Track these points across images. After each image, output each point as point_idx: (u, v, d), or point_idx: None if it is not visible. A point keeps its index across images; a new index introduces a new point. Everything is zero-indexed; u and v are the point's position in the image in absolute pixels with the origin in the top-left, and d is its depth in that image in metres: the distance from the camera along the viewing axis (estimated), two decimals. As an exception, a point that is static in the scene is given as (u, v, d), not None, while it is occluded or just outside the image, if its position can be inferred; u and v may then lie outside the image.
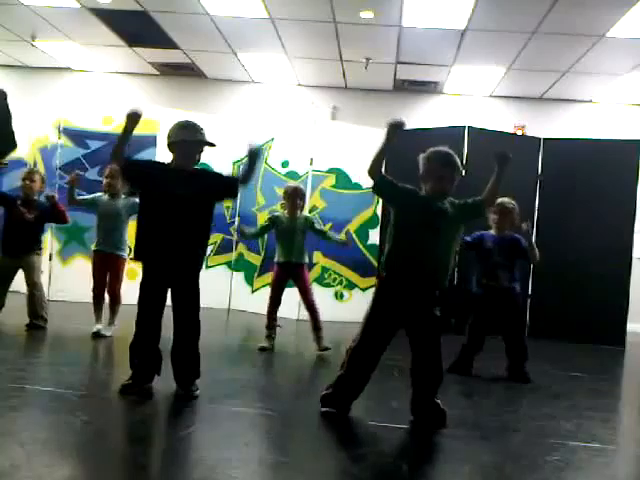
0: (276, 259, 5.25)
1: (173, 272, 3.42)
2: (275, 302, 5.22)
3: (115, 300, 5.19)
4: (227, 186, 3.63)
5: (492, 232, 4.77)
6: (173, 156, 3.52)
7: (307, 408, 3.43)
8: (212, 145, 3.52)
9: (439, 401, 3.18)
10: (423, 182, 3.28)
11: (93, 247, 5.28)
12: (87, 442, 2.63)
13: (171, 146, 3.49)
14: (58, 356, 4.57)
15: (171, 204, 3.36)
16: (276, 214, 5.34)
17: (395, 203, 3.28)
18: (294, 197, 5.19)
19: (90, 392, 3.47)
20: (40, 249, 5.42)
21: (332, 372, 4.64)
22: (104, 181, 5.20)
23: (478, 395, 4.08)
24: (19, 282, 5.40)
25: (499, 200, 4.67)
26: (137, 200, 4.99)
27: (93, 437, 2.70)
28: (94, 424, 2.89)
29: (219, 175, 3.70)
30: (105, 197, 5.19)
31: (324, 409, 3.27)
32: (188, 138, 3.45)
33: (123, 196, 5.18)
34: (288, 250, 5.15)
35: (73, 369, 4.04)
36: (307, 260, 5.32)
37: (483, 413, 3.67)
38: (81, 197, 5.25)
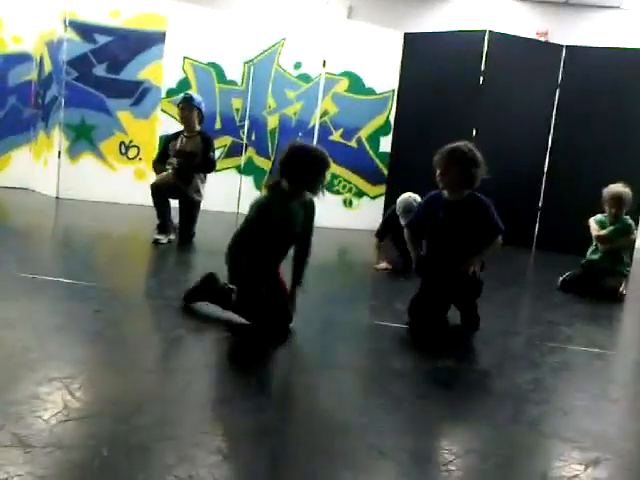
0: None
1: None
2: None
3: None
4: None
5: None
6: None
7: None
8: None
9: None
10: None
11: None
12: (98, 329, 2.70)
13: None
14: (69, 251, 4.64)
15: None
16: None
17: None
18: None
19: (99, 284, 3.53)
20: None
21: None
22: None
23: (479, 299, 4.11)
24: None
25: None
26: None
27: (103, 324, 2.77)
28: (104, 313, 2.95)
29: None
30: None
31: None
32: None
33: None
34: None
35: (82, 263, 4.11)
36: None
37: (484, 318, 3.72)
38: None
